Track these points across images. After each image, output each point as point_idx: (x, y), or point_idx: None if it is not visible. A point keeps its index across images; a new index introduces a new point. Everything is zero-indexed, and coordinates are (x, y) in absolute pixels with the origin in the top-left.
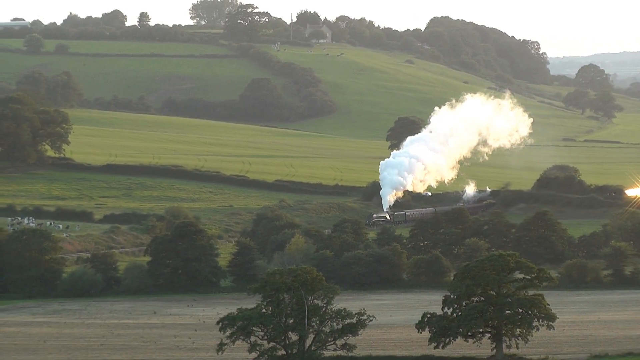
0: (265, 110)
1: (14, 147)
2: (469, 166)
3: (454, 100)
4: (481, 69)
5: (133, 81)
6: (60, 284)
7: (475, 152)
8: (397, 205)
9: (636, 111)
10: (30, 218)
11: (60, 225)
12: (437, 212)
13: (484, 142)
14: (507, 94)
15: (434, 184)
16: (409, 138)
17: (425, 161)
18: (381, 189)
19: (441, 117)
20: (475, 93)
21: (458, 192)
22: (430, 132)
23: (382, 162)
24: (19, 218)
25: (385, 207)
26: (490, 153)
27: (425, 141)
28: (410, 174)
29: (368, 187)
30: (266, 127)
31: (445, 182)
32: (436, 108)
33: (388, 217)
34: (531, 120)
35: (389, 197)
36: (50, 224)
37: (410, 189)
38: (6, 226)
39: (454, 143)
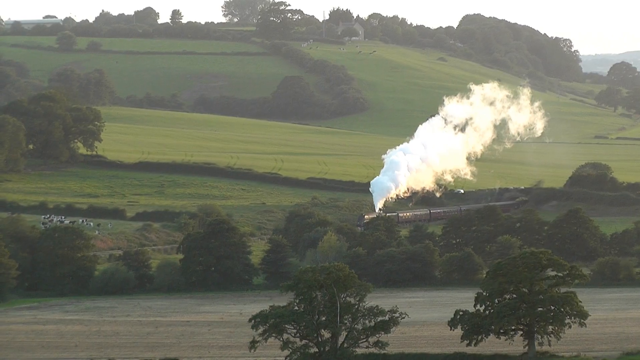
0: (297, 107)
1: (46, 145)
2: (497, 163)
3: (463, 93)
4: (514, 67)
5: (165, 79)
6: (92, 282)
7: (491, 147)
8: (427, 201)
9: None
10: (62, 217)
11: (92, 223)
12: (430, 214)
13: (500, 136)
14: (525, 82)
15: (450, 178)
16: (421, 126)
17: (439, 148)
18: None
19: (454, 107)
20: (486, 83)
21: (492, 190)
22: (444, 120)
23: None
24: (50, 216)
25: (377, 208)
26: (501, 150)
27: (437, 129)
28: (422, 162)
29: None
30: (299, 125)
31: (461, 174)
32: (445, 97)
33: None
34: (544, 116)
35: (379, 199)
36: (83, 221)
37: (419, 181)
38: (39, 224)
39: (468, 132)
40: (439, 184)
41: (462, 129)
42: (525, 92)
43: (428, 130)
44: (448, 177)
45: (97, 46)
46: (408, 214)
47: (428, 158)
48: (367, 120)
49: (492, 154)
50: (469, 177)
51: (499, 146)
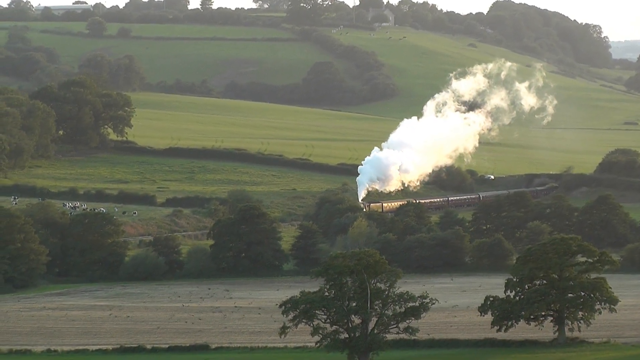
0: (327, 93)
1: (76, 131)
2: (527, 149)
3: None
4: (544, 53)
5: (196, 65)
6: (122, 268)
7: (502, 129)
8: (459, 187)
9: None
10: (82, 204)
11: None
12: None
13: (517, 119)
14: (539, 66)
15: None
16: (425, 106)
17: (446, 127)
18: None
19: (464, 84)
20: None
21: (522, 176)
22: (454, 97)
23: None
24: (75, 203)
25: (361, 197)
26: (517, 135)
27: (445, 107)
28: (427, 142)
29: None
30: (329, 111)
31: (469, 158)
32: (450, 75)
33: (363, 207)
34: (554, 101)
35: (364, 186)
36: (116, 210)
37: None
38: (67, 209)
39: (478, 111)
40: (446, 167)
41: (472, 108)
42: (539, 67)
43: (433, 109)
44: (464, 160)
45: (127, 32)
46: (393, 204)
47: (434, 138)
48: (397, 106)
49: (518, 139)
50: (471, 160)
51: (509, 128)
